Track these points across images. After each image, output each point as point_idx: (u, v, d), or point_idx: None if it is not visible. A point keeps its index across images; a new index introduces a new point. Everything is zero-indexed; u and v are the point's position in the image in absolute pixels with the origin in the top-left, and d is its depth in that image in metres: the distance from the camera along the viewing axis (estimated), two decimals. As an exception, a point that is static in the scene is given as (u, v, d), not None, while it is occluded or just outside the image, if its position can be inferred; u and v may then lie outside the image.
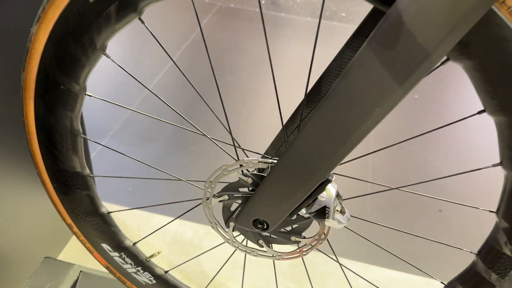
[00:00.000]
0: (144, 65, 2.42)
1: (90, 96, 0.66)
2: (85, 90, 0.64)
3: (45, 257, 1.05)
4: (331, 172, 0.56)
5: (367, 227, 1.53)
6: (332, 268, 1.43)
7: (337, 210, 0.60)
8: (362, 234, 0.79)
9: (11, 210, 1.10)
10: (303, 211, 0.62)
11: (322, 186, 0.57)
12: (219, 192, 0.68)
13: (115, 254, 0.83)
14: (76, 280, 1.02)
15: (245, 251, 0.74)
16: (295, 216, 0.64)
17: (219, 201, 0.69)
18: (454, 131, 2.13)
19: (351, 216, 0.62)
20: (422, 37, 0.44)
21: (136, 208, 1.61)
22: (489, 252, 0.65)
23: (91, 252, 0.84)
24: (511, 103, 0.52)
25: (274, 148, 0.69)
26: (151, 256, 0.85)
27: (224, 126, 0.70)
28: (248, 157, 0.65)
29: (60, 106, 0.64)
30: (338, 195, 0.61)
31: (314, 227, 0.68)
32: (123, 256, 0.84)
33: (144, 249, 0.87)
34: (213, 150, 1.90)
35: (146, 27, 0.61)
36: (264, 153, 0.68)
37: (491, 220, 0.66)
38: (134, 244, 0.85)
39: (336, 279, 1.40)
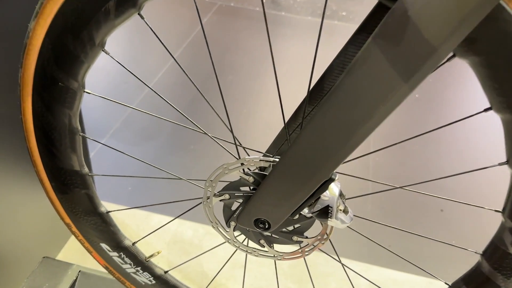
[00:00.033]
0: (143, 65, 2.41)
1: (89, 93, 0.65)
2: (83, 87, 0.63)
3: (44, 257, 1.04)
4: (334, 171, 0.55)
5: (368, 227, 1.52)
6: (333, 268, 1.42)
7: (340, 210, 0.59)
8: (363, 234, 0.78)
9: (9, 209, 1.09)
10: (305, 211, 0.61)
11: (325, 185, 0.56)
12: (220, 191, 0.67)
13: (114, 254, 0.82)
14: (75, 280, 1.01)
15: (246, 251, 0.73)
16: (297, 216, 0.63)
17: (220, 200, 0.68)
18: (455, 130, 2.12)
19: (354, 215, 0.61)
20: (428, 32, 0.43)
21: (135, 207, 1.60)
22: (494, 252, 0.64)
23: (90, 252, 0.83)
24: (519, 101, 0.51)
25: (276, 147, 0.68)
26: (151, 256, 0.84)
27: (225, 124, 0.69)
28: (249, 155, 0.64)
29: (59, 103, 0.63)
30: (341, 194, 0.60)
31: (315, 227, 0.67)
32: (122, 256, 0.83)
33: (144, 249, 0.86)
34: (213, 150, 1.89)
35: (146, 22, 0.60)
36: (265, 152, 0.67)
37: (494, 220, 0.65)
38: (133, 244, 0.83)
39: (337, 279, 1.39)
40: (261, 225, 0.64)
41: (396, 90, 0.46)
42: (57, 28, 0.56)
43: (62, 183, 0.71)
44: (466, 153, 2.03)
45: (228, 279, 1.36)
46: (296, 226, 0.66)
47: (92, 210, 0.76)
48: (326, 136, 0.51)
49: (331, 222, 0.59)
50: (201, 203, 0.71)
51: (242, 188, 0.66)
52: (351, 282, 0.85)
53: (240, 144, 0.68)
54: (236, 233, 0.71)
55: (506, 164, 0.58)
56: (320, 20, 2.94)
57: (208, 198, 0.69)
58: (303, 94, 0.61)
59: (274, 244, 0.71)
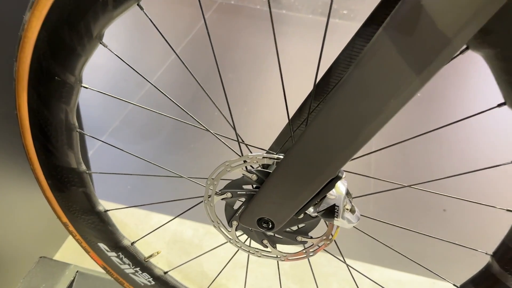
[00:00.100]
0: (142, 64, 2.39)
1: (86, 88, 0.62)
2: (81, 81, 0.61)
3: (40, 257, 1.02)
4: (341, 169, 0.53)
5: (368, 227, 1.50)
6: (335, 268, 1.40)
7: (347, 209, 0.57)
8: (367, 233, 0.76)
9: (5, 207, 1.07)
10: (310, 210, 0.59)
11: (331, 183, 0.54)
12: (221, 190, 0.65)
13: (112, 254, 0.80)
14: (73, 281, 0.99)
15: (248, 251, 0.71)
16: (302, 215, 0.61)
17: (222, 199, 0.66)
18: (457, 130, 2.10)
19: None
20: (442, 22, 0.40)
21: (134, 206, 1.58)
22: (505, 253, 0.61)
23: (88, 252, 0.81)
24: (535, 96, 0.49)
25: (279, 144, 0.66)
26: (150, 256, 0.82)
27: (228, 121, 0.66)
28: (251, 152, 0.62)
29: (55, 98, 0.60)
30: (348, 193, 0.58)
31: (318, 227, 0.65)
32: (121, 256, 0.80)
33: (143, 248, 0.84)
34: (214, 148, 1.87)
35: (145, 13, 0.58)
36: (268, 149, 0.65)
37: (497, 220, 0.63)
38: (132, 243, 0.81)
39: (339, 279, 1.37)
40: (264, 225, 0.62)
41: (407, 83, 0.44)
42: (53, 20, 0.53)
43: (58, 181, 0.69)
44: (467, 153, 2.01)
45: (228, 279, 1.34)
46: (300, 225, 0.64)
47: (90, 209, 0.74)
48: (333, 132, 0.49)
49: (337, 222, 0.57)
50: (202, 202, 0.68)
51: (244, 187, 0.64)
52: (355, 282, 0.83)
53: (243, 141, 0.66)
54: (238, 233, 0.69)
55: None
56: (321, 18, 2.92)
57: (209, 196, 0.67)
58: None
59: (277, 244, 0.68)
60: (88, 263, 0.95)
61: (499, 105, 0.53)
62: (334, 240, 0.65)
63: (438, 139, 2.04)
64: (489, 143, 2.05)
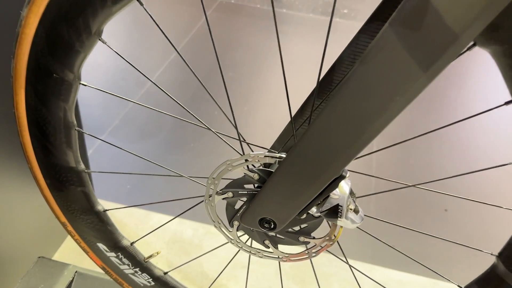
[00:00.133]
0: (142, 64, 2.38)
1: (85, 85, 0.61)
2: (79, 79, 0.60)
3: (39, 257, 1.00)
4: (345, 168, 0.52)
5: (370, 227, 1.49)
6: (336, 268, 1.39)
7: (351, 209, 0.56)
8: (369, 233, 0.75)
9: (4, 207, 1.06)
10: (313, 210, 0.58)
11: (335, 183, 0.52)
12: (222, 189, 0.64)
13: (111, 254, 0.79)
14: (71, 281, 0.98)
15: (250, 252, 0.70)
16: (304, 215, 0.60)
17: (223, 199, 0.64)
18: (458, 130, 2.09)
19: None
20: (449, 17, 0.39)
21: (134, 206, 1.57)
22: (511, 254, 0.60)
23: (87, 252, 0.80)
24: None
25: (281, 143, 0.64)
26: (150, 256, 0.81)
27: (229, 120, 0.65)
28: (253, 151, 0.60)
29: (53, 96, 0.59)
30: (351, 193, 0.57)
31: (320, 227, 0.64)
32: (120, 256, 0.79)
33: (143, 248, 0.83)
34: (214, 147, 1.86)
35: (145, 9, 0.57)
36: (270, 148, 0.64)
37: (499, 220, 0.62)
38: (131, 243, 0.80)
39: (340, 279, 1.36)
40: (266, 225, 0.61)
41: (414, 80, 0.43)
42: (51, 15, 0.52)
43: (57, 180, 0.68)
44: (469, 152, 2.00)
45: (229, 280, 1.33)
46: (302, 226, 0.63)
47: (89, 208, 0.73)
48: (337, 130, 0.48)
49: (340, 222, 0.56)
50: (202, 201, 0.67)
51: (246, 186, 0.62)
52: (358, 283, 0.82)
53: (244, 140, 0.65)
54: (239, 233, 0.68)
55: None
56: (321, 17, 2.91)
57: (210, 196, 0.65)
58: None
59: (279, 245, 0.67)
60: (87, 263, 0.94)
61: (507, 103, 0.52)
62: (337, 241, 0.64)
63: (439, 139, 2.03)
64: (490, 142, 2.04)
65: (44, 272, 0.97)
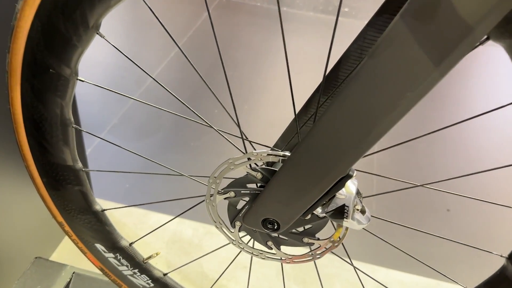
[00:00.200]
0: (141, 63, 2.35)
1: (82, 81, 0.59)
2: (76, 74, 0.58)
3: (36, 257, 0.99)
4: (352, 167, 0.50)
5: (370, 227, 1.47)
6: (338, 269, 1.37)
7: (357, 209, 0.54)
8: (373, 234, 0.74)
9: (0, 206, 1.04)
10: (318, 210, 0.56)
11: (341, 182, 0.51)
12: (224, 188, 0.62)
13: (110, 255, 0.77)
14: (69, 282, 0.96)
15: (252, 253, 0.68)
16: (309, 216, 0.58)
17: (224, 199, 0.63)
18: (460, 129, 2.08)
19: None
20: (464, 8, 0.38)
21: (133, 205, 1.55)
22: (522, 256, 0.59)
23: (84, 253, 0.78)
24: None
25: (285, 141, 0.63)
26: (149, 257, 0.79)
27: (231, 118, 0.63)
28: (255, 150, 0.59)
29: (50, 92, 0.58)
30: (358, 193, 0.55)
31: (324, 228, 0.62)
32: (119, 257, 0.78)
33: (142, 248, 0.81)
34: (215, 146, 1.85)
35: (146, 3, 0.55)
36: (273, 146, 0.62)
37: (502, 220, 0.60)
38: (130, 244, 0.79)
39: (342, 280, 1.34)
40: (269, 226, 0.59)
41: (425, 75, 0.41)
42: (48, 8, 0.50)
43: (53, 178, 0.66)
44: (471, 152, 1.98)
45: (229, 280, 1.31)
46: (307, 227, 0.61)
47: (86, 208, 0.71)
48: (344, 127, 0.46)
49: (346, 223, 0.54)
50: (203, 201, 0.65)
51: (248, 185, 0.61)
52: (362, 284, 0.80)
53: (247, 138, 0.63)
54: (241, 233, 0.66)
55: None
56: (322, 15, 2.90)
57: (211, 195, 0.64)
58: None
59: (282, 246, 0.65)
60: (85, 264, 0.92)
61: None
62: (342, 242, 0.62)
63: (442, 138, 2.01)
64: (494, 142, 2.02)
65: (41, 273, 0.96)
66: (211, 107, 1.99)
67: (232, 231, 0.66)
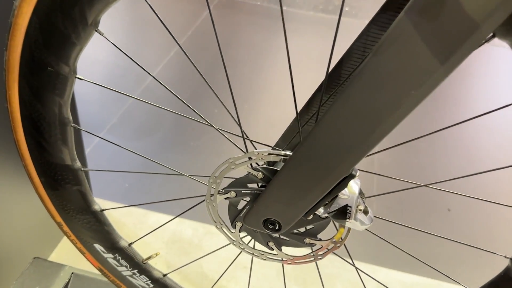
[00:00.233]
0: (140, 61, 2.34)
1: (81, 79, 0.59)
2: (75, 72, 0.57)
3: (34, 257, 0.98)
4: (355, 167, 0.49)
5: (372, 227, 1.46)
6: (339, 269, 1.36)
7: (360, 210, 0.53)
8: (375, 234, 0.73)
9: (-1, 206, 1.03)
10: (320, 211, 0.55)
11: (344, 182, 0.50)
12: (225, 188, 0.61)
13: (109, 256, 0.76)
14: (68, 283, 0.95)
15: (253, 254, 0.67)
16: (311, 216, 0.57)
17: (225, 198, 0.62)
18: (461, 129, 2.07)
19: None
20: (470, 5, 0.37)
21: (132, 205, 1.55)
22: (526, 257, 0.58)
23: (83, 253, 0.77)
24: None
25: (286, 140, 0.62)
26: (148, 258, 0.79)
27: (232, 117, 0.63)
28: (256, 149, 0.58)
29: (48, 90, 0.57)
30: (361, 193, 0.54)
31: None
32: (118, 257, 0.77)
33: (141, 248, 0.81)
34: (215, 145, 1.84)
35: (147, 2, 0.54)
36: (274, 146, 0.61)
37: (503, 219, 0.60)
38: (129, 244, 0.78)
39: (343, 280, 1.34)
40: (270, 226, 0.58)
41: (430, 73, 0.40)
42: (46, 5, 0.50)
43: (52, 178, 0.66)
44: (473, 152, 1.97)
45: (229, 281, 1.31)
46: (308, 227, 0.60)
47: (85, 208, 0.70)
48: (348, 126, 0.45)
49: (349, 223, 0.54)
50: (204, 201, 0.65)
51: (249, 185, 0.60)
52: (364, 284, 0.79)
53: (248, 137, 0.62)
54: (242, 234, 0.65)
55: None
56: (322, 15, 2.89)
57: (211, 195, 0.63)
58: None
59: (283, 247, 0.65)
60: (84, 264, 0.92)
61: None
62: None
63: (442, 138, 2.00)
64: (494, 142, 2.02)
65: (40, 273, 0.95)
66: (210, 106, 1.98)
67: (233, 231, 0.65)
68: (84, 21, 0.51)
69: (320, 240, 0.61)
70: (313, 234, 0.60)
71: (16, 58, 0.54)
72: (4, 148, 0.98)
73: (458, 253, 1.50)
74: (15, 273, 1.05)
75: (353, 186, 0.53)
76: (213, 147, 1.83)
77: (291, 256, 0.65)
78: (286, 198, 0.54)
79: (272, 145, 0.62)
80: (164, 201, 1.56)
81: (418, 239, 1.50)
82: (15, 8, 0.51)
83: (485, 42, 0.45)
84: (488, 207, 1.67)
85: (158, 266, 0.82)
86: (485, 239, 1.58)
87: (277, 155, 0.56)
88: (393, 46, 0.40)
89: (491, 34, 0.45)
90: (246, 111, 2.07)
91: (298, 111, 0.59)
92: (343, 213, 0.53)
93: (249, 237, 0.66)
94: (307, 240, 0.61)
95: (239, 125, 0.62)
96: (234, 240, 0.67)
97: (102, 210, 0.73)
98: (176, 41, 0.59)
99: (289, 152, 0.55)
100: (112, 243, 0.75)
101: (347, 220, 0.53)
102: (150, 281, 0.80)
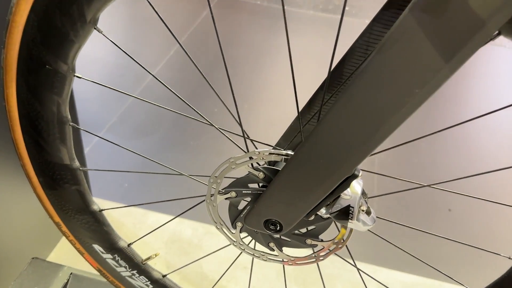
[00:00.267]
0: (140, 61, 2.34)
1: (80, 78, 0.58)
2: (74, 71, 0.56)
3: (33, 258, 0.97)
4: (358, 166, 0.49)
5: (372, 228, 1.46)
6: (339, 270, 1.36)
7: (362, 210, 0.53)
8: (377, 235, 0.72)
9: (-3, 206, 1.03)
10: (322, 211, 0.54)
11: (347, 182, 0.49)
12: (225, 188, 0.60)
13: (108, 256, 0.76)
14: (66, 283, 0.94)
15: (253, 254, 0.66)
16: (313, 217, 0.57)
17: (225, 199, 0.61)
18: (462, 129, 2.06)
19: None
20: (476, 1, 0.36)
21: (131, 205, 1.54)
22: (530, 258, 0.57)
23: (82, 254, 0.76)
24: None
25: (287, 140, 0.61)
26: (148, 258, 0.78)
27: (233, 116, 0.62)
28: (257, 149, 0.57)
29: (46, 89, 0.56)
30: (363, 193, 0.54)
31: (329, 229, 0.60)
32: (117, 258, 0.76)
33: (140, 248, 0.80)
34: (215, 145, 1.83)
35: (148, 1, 0.54)
36: (275, 145, 0.61)
37: (504, 219, 0.59)
38: (129, 245, 0.77)
39: (343, 280, 1.33)
40: (271, 227, 0.57)
41: (435, 71, 0.40)
42: (44, 2, 0.49)
43: (50, 178, 0.65)
44: (474, 152, 1.97)
45: (229, 281, 1.30)
46: (310, 228, 0.60)
47: (84, 208, 0.69)
48: (350, 125, 0.44)
49: (351, 224, 0.53)
50: (204, 201, 0.64)
51: (250, 185, 0.59)
52: (365, 285, 0.79)
53: (248, 137, 0.61)
54: (243, 234, 0.65)
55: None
56: (322, 14, 2.88)
57: (212, 195, 0.62)
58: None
59: (284, 248, 0.64)
60: (83, 265, 0.91)
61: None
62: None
63: (443, 138, 2.00)
64: (496, 142, 2.01)
65: (38, 274, 0.94)
66: (210, 106, 1.98)
67: (233, 232, 0.64)
68: (83, 19, 0.50)
69: (322, 241, 0.60)
70: (314, 235, 0.60)
71: (14, 56, 0.53)
72: (1, 147, 0.97)
73: (459, 254, 1.49)
74: (13, 273, 1.04)
75: (356, 186, 0.52)
76: (214, 146, 1.83)
77: (292, 257, 0.64)
78: (287, 198, 0.53)
79: (273, 145, 0.62)
80: (163, 201, 1.55)
81: (420, 239, 1.49)
82: (13, 6, 0.50)
83: (490, 40, 0.44)
84: (490, 207, 1.67)
85: (158, 266, 0.81)
86: (487, 240, 1.58)
87: (278, 154, 0.55)
88: (397, 44, 0.40)
89: (497, 31, 0.44)
90: (247, 111, 2.06)
91: (300, 110, 0.59)
92: (345, 213, 0.52)
93: (249, 238, 0.65)
94: (309, 241, 0.60)
95: (240, 124, 0.61)
96: (234, 241, 0.66)
97: (101, 210, 0.72)
98: (177, 40, 0.58)
99: (290, 152, 0.54)
100: (111, 244, 0.75)
101: (349, 221, 0.52)
102: (149, 282, 0.80)
